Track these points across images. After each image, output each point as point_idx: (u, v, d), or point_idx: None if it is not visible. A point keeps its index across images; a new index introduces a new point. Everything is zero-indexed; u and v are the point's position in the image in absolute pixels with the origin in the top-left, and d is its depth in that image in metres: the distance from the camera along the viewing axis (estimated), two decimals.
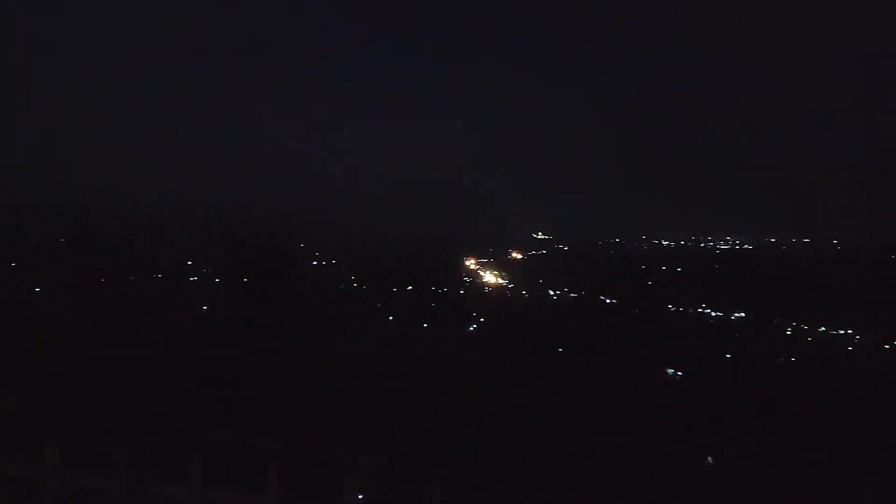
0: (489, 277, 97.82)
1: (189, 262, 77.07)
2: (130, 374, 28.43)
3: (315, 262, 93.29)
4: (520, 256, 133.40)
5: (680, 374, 42.62)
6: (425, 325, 57.26)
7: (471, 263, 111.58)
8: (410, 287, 76.81)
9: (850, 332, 59.26)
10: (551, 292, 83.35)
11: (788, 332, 61.33)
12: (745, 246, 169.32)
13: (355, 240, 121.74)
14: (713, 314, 70.84)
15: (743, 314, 69.36)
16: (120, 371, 28.85)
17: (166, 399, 24.40)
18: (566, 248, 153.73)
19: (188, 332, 42.88)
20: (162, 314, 49.26)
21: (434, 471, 5.96)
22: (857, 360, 52.44)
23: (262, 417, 24.03)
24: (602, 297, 79.45)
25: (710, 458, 27.90)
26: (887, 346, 55.19)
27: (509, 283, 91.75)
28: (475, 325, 58.98)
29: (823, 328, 60.78)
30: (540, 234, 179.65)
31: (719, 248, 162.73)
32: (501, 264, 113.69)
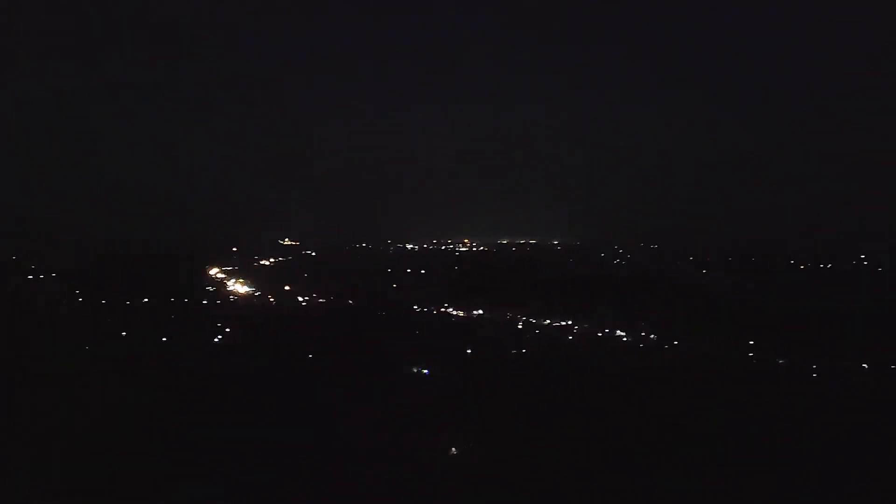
0: (235, 286, 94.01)
1: None
2: None
3: (30, 277, 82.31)
4: (267, 263, 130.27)
5: (426, 371, 44.47)
6: (164, 340, 53.36)
7: (215, 272, 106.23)
8: (147, 299, 71.21)
9: (569, 322, 66.58)
10: (300, 298, 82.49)
11: (520, 326, 67.15)
12: (481, 248, 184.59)
13: (81, 250, 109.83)
14: (455, 313, 75.25)
15: (481, 311, 74.59)
16: None
17: None
18: (314, 254, 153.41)
19: None
20: None
21: None
22: (577, 348, 59.02)
23: None
24: (350, 301, 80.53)
25: (453, 449, 29.47)
26: (599, 334, 62.96)
27: (256, 291, 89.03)
28: (221, 336, 56.37)
29: (548, 321, 67.53)
30: (287, 240, 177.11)
31: (458, 251, 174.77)
32: (248, 271, 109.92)
